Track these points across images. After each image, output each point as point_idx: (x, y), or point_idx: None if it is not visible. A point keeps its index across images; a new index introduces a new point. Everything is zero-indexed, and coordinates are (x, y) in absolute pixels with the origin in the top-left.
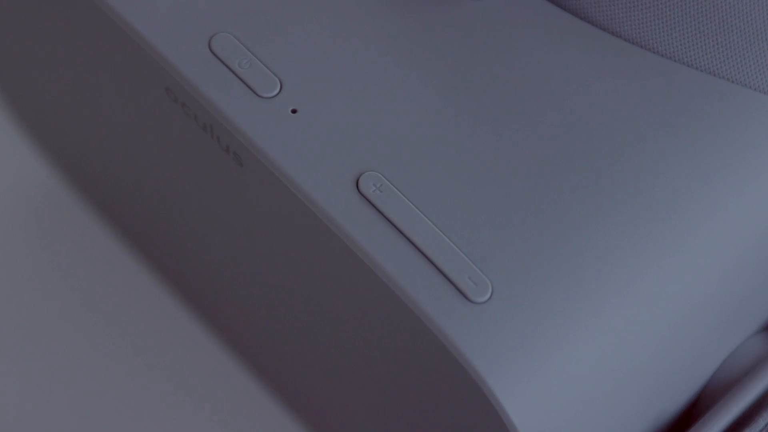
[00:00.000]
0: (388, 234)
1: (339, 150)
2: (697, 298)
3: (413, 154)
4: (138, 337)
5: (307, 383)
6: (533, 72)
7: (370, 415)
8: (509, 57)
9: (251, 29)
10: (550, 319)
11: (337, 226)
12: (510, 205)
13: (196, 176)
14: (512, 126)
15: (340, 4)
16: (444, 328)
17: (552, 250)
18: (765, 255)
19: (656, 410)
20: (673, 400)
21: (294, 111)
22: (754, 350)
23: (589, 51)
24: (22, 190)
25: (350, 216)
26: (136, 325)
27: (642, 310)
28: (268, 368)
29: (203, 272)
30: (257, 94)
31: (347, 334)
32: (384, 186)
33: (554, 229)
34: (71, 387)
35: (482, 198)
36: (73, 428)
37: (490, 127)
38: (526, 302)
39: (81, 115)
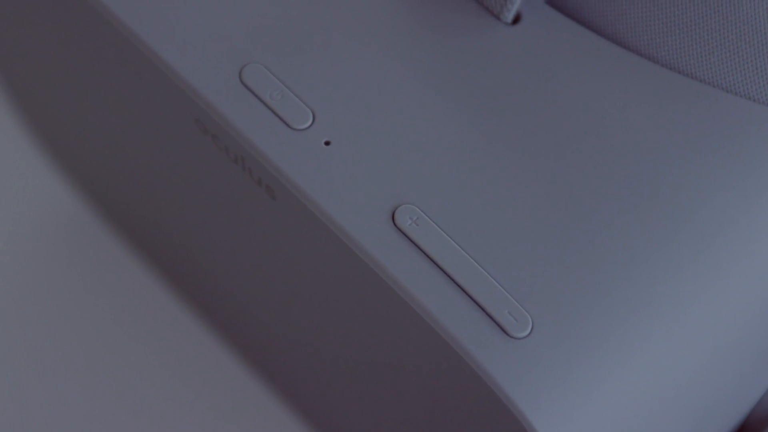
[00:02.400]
0: (426, 268)
1: (374, 182)
2: (740, 328)
3: (449, 186)
4: (162, 353)
5: (336, 407)
6: (570, 99)
7: None
8: (545, 84)
9: (282, 60)
10: (591, 354)
11: (374, 260)
12: (549, 238)
13: (227, 208)
14: (550, 155)
15: (372, 33)
16: (484, 364)
17: (593, 283)
18: None
19: None
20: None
21: (327, 143)
22: None
23: (625, 77)
24: (48, 215)
25: (387, 250)
26: (160, 342)
27: (685, 343)
28: (294, 390)
29: (232, 300)
30: (289, 126)
31: (382, 366)
32: (420, 219)
33: (595, 261)
34: (103, 411)
35: (521, 230)
36: None
37: (527, 157)
38: (567, 337)
39: (109, 144)
